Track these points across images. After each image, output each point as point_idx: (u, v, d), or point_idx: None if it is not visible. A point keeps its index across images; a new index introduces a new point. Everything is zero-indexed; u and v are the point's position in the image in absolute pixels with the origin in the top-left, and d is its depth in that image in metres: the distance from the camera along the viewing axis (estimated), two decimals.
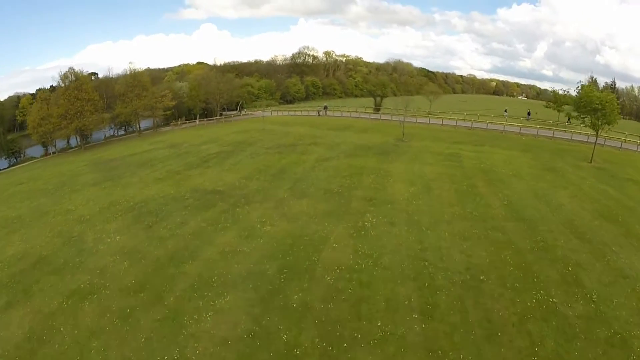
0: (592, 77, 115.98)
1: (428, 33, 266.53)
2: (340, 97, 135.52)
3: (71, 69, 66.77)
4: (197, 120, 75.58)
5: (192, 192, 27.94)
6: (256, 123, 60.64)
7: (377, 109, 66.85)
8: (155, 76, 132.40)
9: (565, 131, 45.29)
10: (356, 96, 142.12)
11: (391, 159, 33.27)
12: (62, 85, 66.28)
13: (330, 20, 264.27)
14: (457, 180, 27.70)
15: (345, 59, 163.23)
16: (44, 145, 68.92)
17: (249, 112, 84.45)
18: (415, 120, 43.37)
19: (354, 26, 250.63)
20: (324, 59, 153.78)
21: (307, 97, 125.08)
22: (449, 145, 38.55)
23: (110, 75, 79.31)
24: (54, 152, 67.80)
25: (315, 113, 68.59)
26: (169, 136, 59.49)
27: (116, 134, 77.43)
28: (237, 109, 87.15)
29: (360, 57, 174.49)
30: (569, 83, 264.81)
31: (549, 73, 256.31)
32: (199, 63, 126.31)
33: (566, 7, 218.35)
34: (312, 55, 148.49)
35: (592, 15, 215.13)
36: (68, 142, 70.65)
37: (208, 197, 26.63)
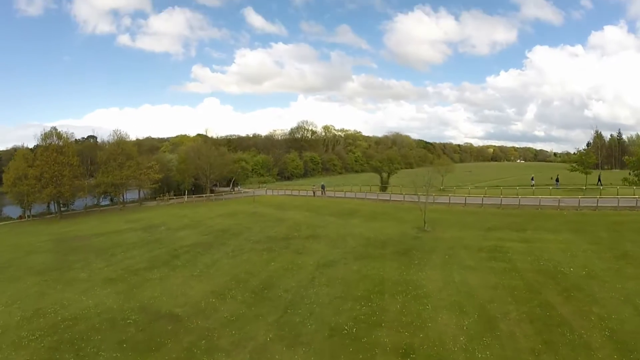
0: (597, 132, 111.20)
1: (422, 105, 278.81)
2: (340, 173, 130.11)
3: (54, 128, 62.51)
4: (185, 196, 68.70)
5: (140, 312, 19.81)
6: (247, 204, 53.21)
7: (384, 187, 59.40)
8: (153, 145, 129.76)
9: (601, 197, 38.36)
10: (357, 171, 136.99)
11: (419, 263, 24.50)
12: (43, 145, 61.37)
13: (327, 96, 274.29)
14: (522, 298, 18.86)
15: (344, 133, 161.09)
16: (22, 206, 63.57)
17: (243, 190, 77.50)
18: (432, 201, 35.36)
19: (351, 102, 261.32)
20: (323, 133, 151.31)
21: (306, 174, 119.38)
22: (484, 234, 30.06)
23: (98, 141, 73.40)
24: (28, 216, 62.55)
25: (310, 193, 61.04)
26: (150, 214, 54.00)
27: (100, 204, 71.04)
28: (230, 186, 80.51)
29: (360, 132, 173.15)
30: (560, 141, 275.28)
31: (541, 133, 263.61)
32: (198, 135, 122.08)
33: (550, 67, 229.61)
34: (311, 130, 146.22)
35: (576, 71, 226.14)
36: (48, 206, 64.11)
37: (157, 328, 18.07)
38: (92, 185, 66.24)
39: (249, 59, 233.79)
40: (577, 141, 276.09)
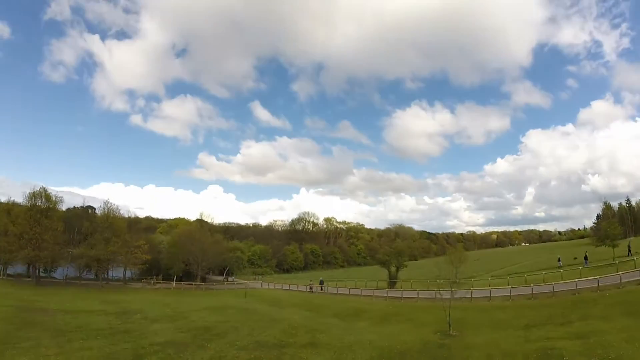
0: (605, 202, 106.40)
1: (422, 197, 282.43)
2: (342, 267, 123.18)
3: (43, 189, 58.30)
4: (173, 282, 62.35)
5: None
6: (239, 298, 46.97)
7: (392, 282, 53.26)
8: (151, 225, 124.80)
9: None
10: (359, 265, 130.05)
11: None
12: (29, 204, 57.24)
13: (329, 189, 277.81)
14: None
15: (346, 226, 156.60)
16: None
17: (237, 281, 70.94)
18: (450, 297, 29.64)
19: (352, 195, 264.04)
20: (325, 225, 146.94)
21: (306, 266, 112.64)
22: (525, 335, 23.86)
23: (82, 205, 68.74)
24: (4, 275, 57.97)
25: (307, 288, 55.33)
26: (131, 297, 48.28)
27: (82, 276, 64.29)
28: (224, 275, 74.27)
29: (362, 224, 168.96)
30: (561, 219, 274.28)
31: (541, 214, 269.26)
32: (197, 220, 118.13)
33: (544, 149, 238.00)
34: (312, 221, 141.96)
35: (569, 149, 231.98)
36: (28, 268, 58.22)
37: None
38: (75, 255, 60.26)
39: (253, 150, 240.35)
40: (577, 217, 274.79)
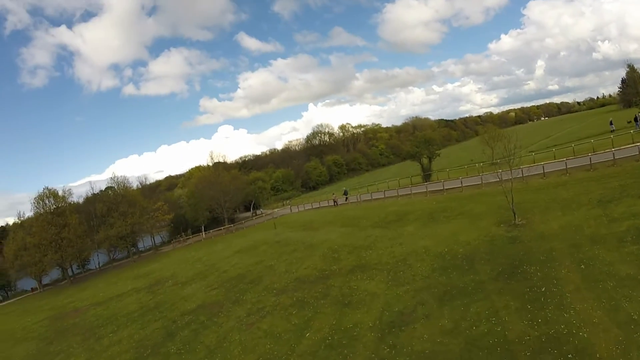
0: (630, 65, 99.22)
1: (431, 87, 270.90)
2: (367, 171, 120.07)
3: (47, 188, 55.47)
4: (203, 233, 60.57)
5: None
6: (269, 230, 44.03)
7: (427, 175, 49.05)
8: (172, 183, 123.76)
9: None
10: (384, 165, 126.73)
11: (546, 291, 14.77)
12: (39, 210, 54.77)
13: (337, 99, 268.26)
14: None
15: (363, 129, 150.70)
16: (33, 277, 57.00)
17: (266, 212, 68.53)
18: (499, 179, 24.96)
19: (360, 99, 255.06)
20: (341, 134, 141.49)
21: (332, 179, 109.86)
22: (605, 212, 19.76)
23: (94, 192, 66.13)
24: (33, 289, 56.87)
25: (331, 203, 51.96)
26: (162, 263, 46.88)
27: (115, 258, 63.54)
28: (250, 210, 72.07)
29: (379, 124, 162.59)
30: (575, 90, 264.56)
31: (555, 87, 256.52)
32: (218, 163, 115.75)
33: (549, 18, 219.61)
34: (328, 132, 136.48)
35: (575, 16, 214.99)
36: (63, 272, 57.81)
37: None
38: (99, 241, 58.74)
39: (252, 81, 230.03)
40: (592, 86, 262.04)
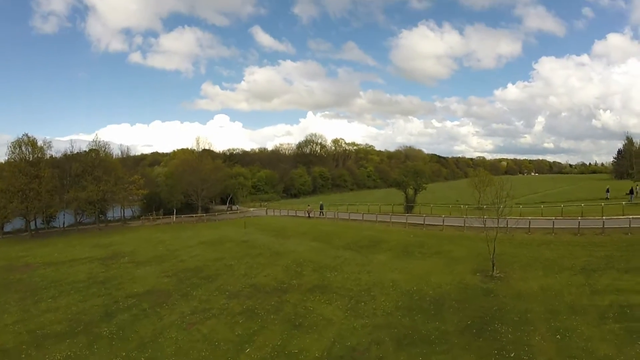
0: (628, 138, 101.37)
1: (430, 120, 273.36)
2: (352, 190, 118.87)
3: (26, 135, 52.89)
4: (174, 216, 58.30)
5: None
6: (240, 228, 42.19)
7: (409, 206, 47.86)
8: (156, 160, 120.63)
9: None
10: (369, 188, 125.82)
11: (517, 356, 13.23)
12: (14, 156, 52.32)
13: (336, 113, 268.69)
14: None
15: (355, 147, 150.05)
16: None
17: (242, 209, 66.64)
18: (483, 225, 23.44)
19: (360, 118, 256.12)
20: (333, 148, 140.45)
21: (315, 190, 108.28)
22: (587, 282, 18.64)
23: (73, 150, 63.09)
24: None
25: (304, 214, 51.19)
26: (125, 237, 45.10)
27: (82, 221, 60.42)
28: (227, 204, 70.11)
29: (372, 146, 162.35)
30: (569, 152, 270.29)
31: (550, 145, 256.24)
32: (204, 151, 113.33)
33: (557, 78, 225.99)
34: (320, 143, 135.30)
35: (582, 81, 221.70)
36: (28, 223, 54.22)
37: None
38: (67, 200, 55.90)
39: (257, 76, 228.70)
40: (586, 152, 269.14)
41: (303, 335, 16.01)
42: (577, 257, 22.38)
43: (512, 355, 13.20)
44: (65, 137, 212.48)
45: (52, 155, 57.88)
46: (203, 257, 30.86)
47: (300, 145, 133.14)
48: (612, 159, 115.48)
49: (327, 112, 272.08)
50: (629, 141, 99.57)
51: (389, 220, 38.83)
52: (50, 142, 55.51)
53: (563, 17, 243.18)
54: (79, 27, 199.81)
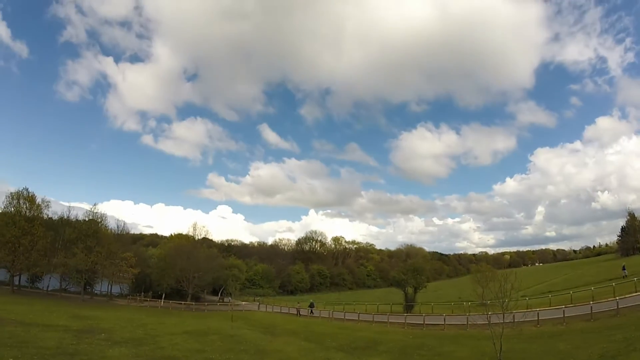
0: (631, 213, 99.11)
1: (431, 219, 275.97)
2: (350, 289, 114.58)
3: (26, 189, 52.95)
4: (162, 300, 55.72)
5: None
6: (228, 322, 39.48)
7: (409, 305, 45.33)
8: (153, 242, 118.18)
9: None
10: (369, 287, 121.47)
11: None
12: (10, 207, 52.07)
13: (338, 211, 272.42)
14: None
15: (355, 246, 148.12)
16: None
17: (234, 302, 63.55)
18: (487, 322, 21.52)
19: (361, 217, 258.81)
20: (333, 246, 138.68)
21: (312, 288, 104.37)
22: None
23: (69, 216, 62.14)
24: None
25: (295, 311, 49.42)
26: (108, 314, 41.97)
27: (67, 288, 58.68)
28: (219, 295, 67.19)
29: (372, 244, 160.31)
30: (572, 238, 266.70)
31: (552, 234, 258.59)
32: (203, 238, 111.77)
33: (553, 167, 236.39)
34: (320, 241, 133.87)
35: (578, 167, 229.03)
36: (12, 278, 52.11)
37: None
38: (55, 264, 54.02)
39: (262, 171, 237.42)
40: (588, 235, 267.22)
41: None
42: (593, 345, 20.14)
43: None
44: (66, 202, 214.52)
45: (48, 216, 57.72)
46: (183, 348, 28.01)
47: (299, 242, 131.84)
48: (616, 238, 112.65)
49: (328, 211, 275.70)
50: (632, 217, 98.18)
51: (386, 320, 36.32)
52: (49, 202, 55.84)
53: (553, 108, 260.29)
54: (99, 102, 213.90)
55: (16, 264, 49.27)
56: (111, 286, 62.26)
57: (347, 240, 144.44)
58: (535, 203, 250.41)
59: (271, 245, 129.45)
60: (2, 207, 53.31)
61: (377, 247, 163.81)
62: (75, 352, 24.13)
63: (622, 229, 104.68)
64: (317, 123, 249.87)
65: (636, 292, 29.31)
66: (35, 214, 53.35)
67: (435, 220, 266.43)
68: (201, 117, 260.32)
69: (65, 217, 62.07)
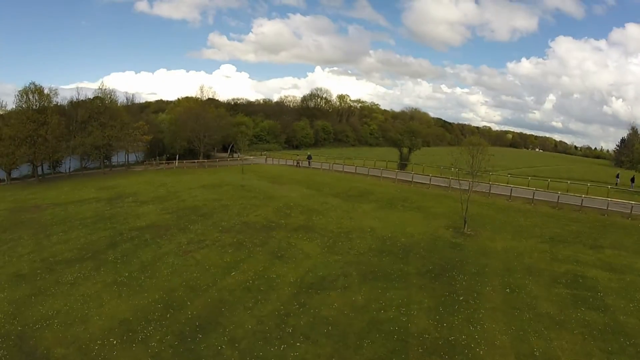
0: (633, 128, 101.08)
1: (439, 85, 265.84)
2: (353, 145, 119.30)
3: (33, 83, 52.78)
4: (176, 161, 60.03)
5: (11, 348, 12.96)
6: (239, 174, 43.86)
7: (403, 164, 49.17)
8: (160, 107, 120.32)
9: None
10: (371, 145, 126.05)
11: (465, 300, 15.01)
12: (21, 104, 52.76)
13: (344, 69, 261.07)
14: None
15: (360, 104, 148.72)
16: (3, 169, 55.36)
17: (243, 157, 68.09)
18: (466, 188, 25.01)
19: (368, 77, 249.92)
20: (338, 103, 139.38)
21: (317, 143, 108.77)
22: (551, 250, 20.13)
23: (80, 98, 63.77)
24: (1, 180, 53.74)
25: (294, 163, 54.09)
26: (129, 180, 45.93)
27: (87, 166, 62.01)
28: (229, 152, 71.42)
29: (377, 104, 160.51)
30: (577, 134, 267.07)
31: (559, 125, 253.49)
32: (208, 99, 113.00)
33: (573, 59, 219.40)
34: (325, 98, 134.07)
35: (598, 67, 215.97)
36: (34, 169, 55.40)
37: None
38: (74, 146, 57.33)
39: (266, 28, 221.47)
40: (594, 136, 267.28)
41: (283, 265, 17.90)
42: (548, 228, 23.82)
43: (460, 298, 14.94)
44: (69, 86, 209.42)
45: (58, 103, 58.78)
46: (202, 198, 32.60)
47: (305, 99, 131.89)
48: (615, 147, 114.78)
49: (335, 68, 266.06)
50: (634, 131, 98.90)
51: (379, 174, 40.30)
52: (57, 90, 56.02)
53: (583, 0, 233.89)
54: None
55: (38, 155, 51.09)
56: (127, 156, 65.46)
57: (352, 98, 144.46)
58: (548, 90, 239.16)
59: (277, 102, 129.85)
60: (14, 106, 53.97)
61: (383, 107, 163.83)
62: (112, 215, 28.47)
63: (622, 140, 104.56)
64: None
65: (608, 197, 30.81)
66: (46, 104, 53.61)
67: (444, 88, 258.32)
68: None
69: (75, 99, 62.51)
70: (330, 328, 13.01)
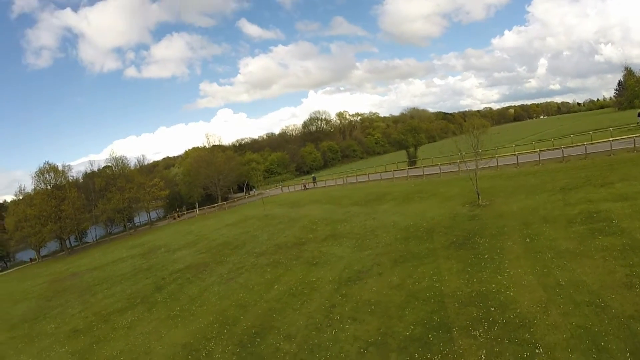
0: (627, 68, 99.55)
1: (431, 79, 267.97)
2: (362, 158, 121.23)
3: (47, 163, 57.34)
4: (197, 209, 62.40)
5: None
6: (260, 207, 45.61)
7: (412, 162, 50.56)
8: (169, 164, 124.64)
9: None
10: (379, 154, 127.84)
11: (490, 257, 16.23)
12: (39, 184, 56.89)
13: (336, 87, 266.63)
14: None
15: (360, 117, 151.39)
16: (32, 248, 58.45)
17: (258, 192, 70.13)
18: (474, 167, 26.32)
19: (361, 89, 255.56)
20: (338, 121, 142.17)
21: (326, 164, 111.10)
22: (563, 198, 21.09)
23: (93, 169, 67.72)
24: (32, 259, 57.50)
25: (301, 187, 57.53)
26: (156, 235, 48.50)
27: (111, 232, 65.36)
28: (244, 190, 73.70)
29: (376, 113, 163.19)
30: (577, 91, 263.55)
31: (557, 87, 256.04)
32: (214, 146, 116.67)
33: (553, 18, 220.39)
34: (325, 119, 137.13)
35: (579, 18, 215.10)
36: (61, 244, 59.14)
37: None
38: (97, 214, 60.35)
39: (252, 67, 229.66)
40: (594, 89, 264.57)
41: (319, 269, 19.42)
42: (558, 181, 24.78)
43: (486, 256, 16.15)
44: (76, 162, 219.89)
45: (74, 177, 62.43)
46: (230, 234, 34.45)
47: (305, 124, 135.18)
48: (614, 92, 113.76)
49: (328, 88, 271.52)
50: (629, 72, 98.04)
51: (392, 176, 41.76)
52: (70, 166, 59.99)
53: None
54: (72, 55, 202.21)
55: (64, 229, 54.39)
56: (149, 214, 68.50)
57: (351, 113, 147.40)
58: (537, 56, 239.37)
59: (279, 134, 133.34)
60: (32, 187, 57.67)
61: (382, 114, 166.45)
62: (150, 266, 30.61)
63: (619, 83, 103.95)
64: (296, 5, 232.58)
65: (612, 138, 31.80)
66: (62, 179, 57.40)
67: (436, 81, 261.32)
68: (177, 32, 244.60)
69: (89, 171, 66.52)
70: (373, 307, 14.34)
